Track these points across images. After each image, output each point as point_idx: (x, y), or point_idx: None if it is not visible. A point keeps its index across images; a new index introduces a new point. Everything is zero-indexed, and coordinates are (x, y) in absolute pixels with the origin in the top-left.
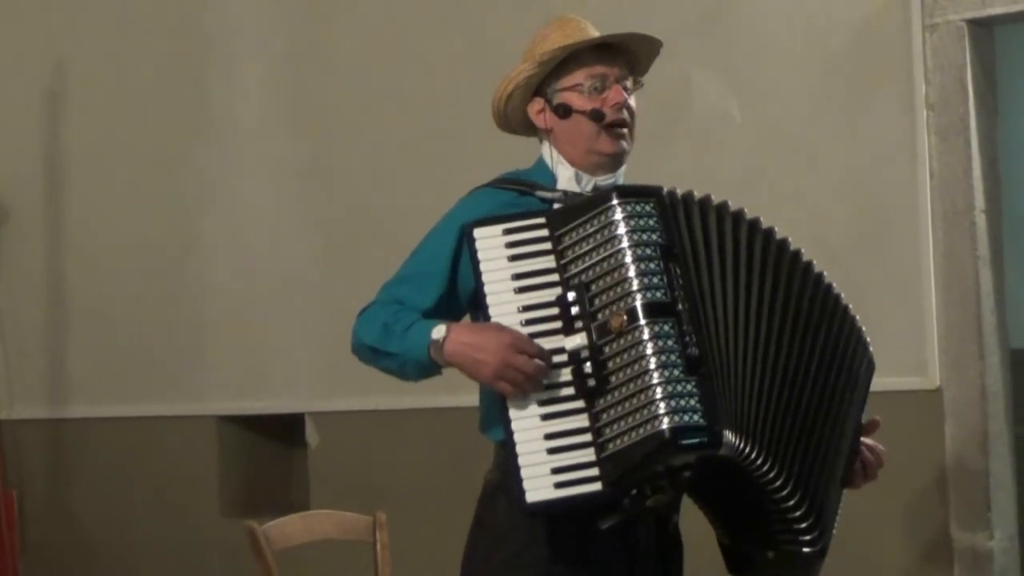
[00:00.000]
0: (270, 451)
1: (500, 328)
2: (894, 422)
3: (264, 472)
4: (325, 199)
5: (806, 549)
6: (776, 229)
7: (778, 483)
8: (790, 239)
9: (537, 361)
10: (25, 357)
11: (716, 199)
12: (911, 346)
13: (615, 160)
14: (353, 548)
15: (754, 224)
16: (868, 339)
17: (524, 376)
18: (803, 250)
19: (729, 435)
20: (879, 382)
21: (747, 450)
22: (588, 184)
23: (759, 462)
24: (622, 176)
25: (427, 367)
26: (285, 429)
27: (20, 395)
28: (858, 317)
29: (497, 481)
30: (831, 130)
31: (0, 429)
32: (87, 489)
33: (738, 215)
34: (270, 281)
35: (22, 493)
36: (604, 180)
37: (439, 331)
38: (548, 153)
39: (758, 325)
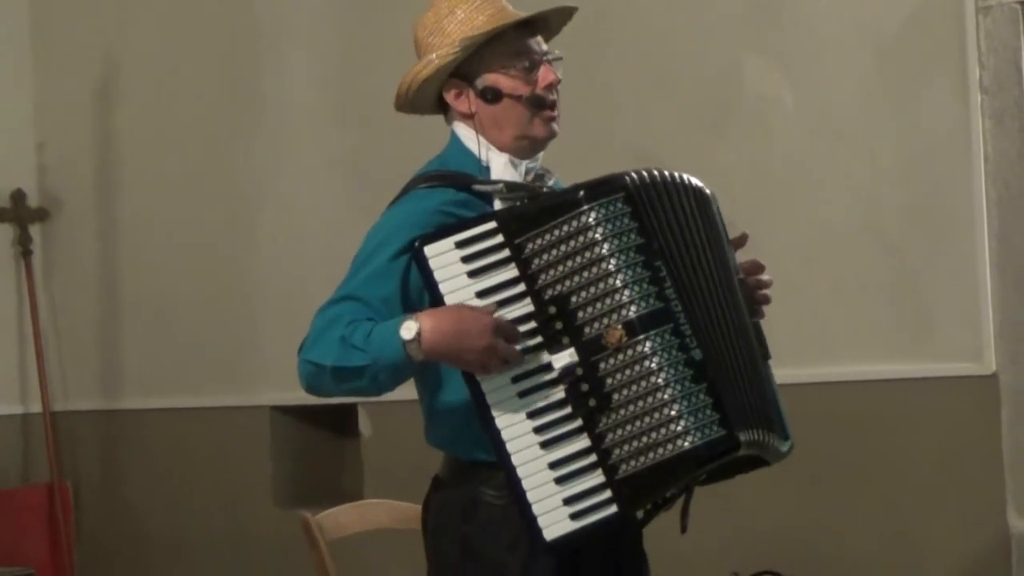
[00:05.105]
0: (323, 441)
1: (473, 311)
2: (950, 408)
3: (317, 462)
4: (378, 190)
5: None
6: (700, 183)
7: (780, 447)
8: (705, 188)
9: (516, 347)
10: (79, 349)
11: (667, 173)
12: (967, 332)
13: (546, 143)
14: (407, 537)
15: (698, 191)
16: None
17: (504, 362)
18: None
19: (744, 433)
20: (935, 368)
21: (758, 438)
22: (521, 169)
23: (767, 442)
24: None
25: (403, 368)
26: (338, 419)
27: (74, 387)
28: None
29: (464, 504)
30: (884, 115)
31: (55, 421)
32: (141, 480)
33: (686, 186)
34: (323, 271)
35: (77, 484)
36: (532, 163)
37: (409, 329)
38: (470, 138)
39: (729, 294)
